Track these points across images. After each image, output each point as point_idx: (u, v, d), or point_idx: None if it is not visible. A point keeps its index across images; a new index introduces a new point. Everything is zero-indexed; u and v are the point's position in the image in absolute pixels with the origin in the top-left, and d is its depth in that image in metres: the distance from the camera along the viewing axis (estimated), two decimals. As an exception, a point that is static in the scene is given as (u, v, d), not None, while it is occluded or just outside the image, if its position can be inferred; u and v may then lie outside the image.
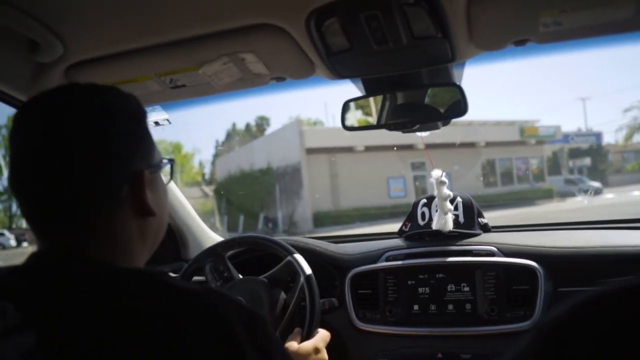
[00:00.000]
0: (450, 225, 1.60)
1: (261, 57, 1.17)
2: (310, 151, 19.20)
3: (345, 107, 1.40)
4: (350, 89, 1.41)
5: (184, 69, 1.23)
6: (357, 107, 1.44)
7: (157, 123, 1.55)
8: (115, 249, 0.73)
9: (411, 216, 1.73)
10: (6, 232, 22.03)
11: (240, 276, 1.52)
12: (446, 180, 1.62)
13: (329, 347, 1.54)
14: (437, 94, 1.40)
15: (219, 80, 1.25)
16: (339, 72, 1.23)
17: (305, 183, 19.22)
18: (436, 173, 1.62)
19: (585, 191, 20.53)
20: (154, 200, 0.77)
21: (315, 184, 18.88)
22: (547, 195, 20.80)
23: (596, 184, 22.23)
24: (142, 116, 0.79)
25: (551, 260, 1.48)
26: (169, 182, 0.90)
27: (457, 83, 1.31)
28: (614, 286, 0.45)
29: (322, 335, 1.33)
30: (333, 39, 1.09)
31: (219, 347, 0.62)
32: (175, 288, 0.68)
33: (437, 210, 1.64)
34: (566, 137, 26.00)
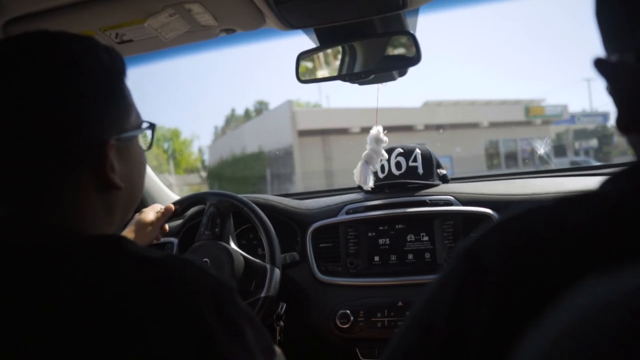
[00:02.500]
0: (371, 182, 1.62)
1: (208, 7, 1.13)
2: (303, 133, 18.33)
3: (300, 59, 1.38)
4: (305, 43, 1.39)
5: (129, 22, 1.18)
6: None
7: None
8: (78, 221, 0.65)
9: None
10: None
11: (233, 243, 1.51)
12: (386, 140, 1.61)
13: (292, 301, 1.57)
14: (395, 44, 1.38)
15: (166, 34, 1.21)
16: (289, 22, 1.20)
17: (297, 167, 18.37)
18: (376, 129, 1.61)
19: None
20: (124, 171, 0.70)
21: (309, 168, 18.08)
22: (554, 178, 20.07)
23: (603, 167, 21.67)
24: (116, 74, 0.70)
25: (507, 207, 1.50)
26: (149, 148, 0.81)
27: (411, 31, 1.29)
28: (520, 210, 0.49)
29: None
30: (280, -14, 1.07)
31: (183, 320, 0.58)
32: (137, 256, 0.62)
33: (363, 162, 1.62)
34: (572, 118, 24.41)
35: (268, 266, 1.45)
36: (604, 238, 0.42)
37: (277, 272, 1.45)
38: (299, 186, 17.95)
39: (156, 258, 0.62)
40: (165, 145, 26.42)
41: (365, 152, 1.61)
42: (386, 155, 1.62)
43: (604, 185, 0.50)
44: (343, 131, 17.78)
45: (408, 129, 16.19)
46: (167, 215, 1.44)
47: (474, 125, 19.77)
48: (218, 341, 0.59)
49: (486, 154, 20.20)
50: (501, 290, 0.43)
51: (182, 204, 1.54)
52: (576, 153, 22.98)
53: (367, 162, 1.60)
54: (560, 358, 0.32)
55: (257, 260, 1.47)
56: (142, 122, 0.76)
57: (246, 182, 19.82)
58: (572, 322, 0.33)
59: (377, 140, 1.60)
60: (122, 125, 0.69)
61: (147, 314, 0.56)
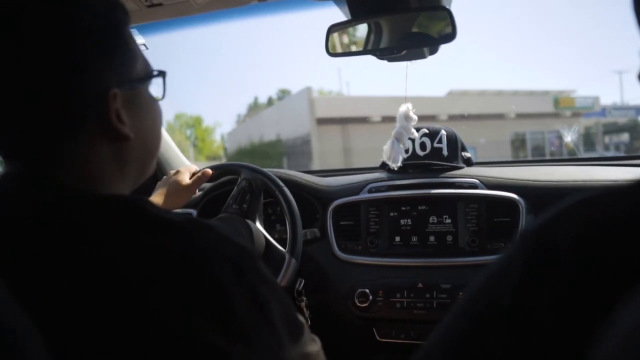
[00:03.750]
0: (400, 160, 1.58)
1: (242, -28, 1.11)
2: (321, 121, 17.78)
3: (330, 32, 1.35)
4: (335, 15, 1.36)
5: (160, -15, 1.16)
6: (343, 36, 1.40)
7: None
8: (87, 177, 0.64)
9: (395, 149, 1.70)
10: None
11: (258, 223, 1.47)
12: (415, 117, 1.58)
13: (310, 278, 1.56)
14: (424, 22, 1.35)
15: (197, -2, 1.19)
16: (324, -9, 1.18)
17: (315, 156, 17.77)
18: (405, 107, 1.58)
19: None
20: (134, 122, 0.67)
21: (327, 158, 17.42)
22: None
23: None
24: (115, 20, 0.66)
25: (533, 193, 1.48)
26: (162, 98, 0.76)
27: (446, 6, 1.26)
28: (591, 192, 0.47)
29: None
30: (318, -47, 1.04)
31: (200, 288, 0.55)
32: (159, 220, 0.60)
33: (393, 139, 1.59)
34: (603, 111, 23.13)
35: (287, 255, 1.42)
36: None
37: (294, 263, 1.42)
38: (317, 175, 17.35)
39: (177, 221, 0.60)
40: (188, 132, 26.44)
41: (395, 129, 1.58)
42: (416, 134, 1.59)
43: None
44: (363, 120, 17.31)
45: (431, 118, 15.52)
46: (203, 180, 1.41)
47: (500, 116, 19.00)
48: (238, 311, 0.56)
49: (512, 146, 19.37)
50: (573, 274, 0.41)
51: (217, 171, 1.49)
52: (606, 147, 22.07)
53: (397, 139, 1.57)
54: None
55: (278, 247, 1.44)
56: (151, 71, 0.73)
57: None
58: None
59: (407, 117, 1.57)
60: (125, 74, 0.66)
61: (163, 282, 0.55)
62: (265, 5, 1.28)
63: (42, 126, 0.61)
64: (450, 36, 1.24)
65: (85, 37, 0.62)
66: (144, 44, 1.48)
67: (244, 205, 1.45)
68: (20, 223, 0.57)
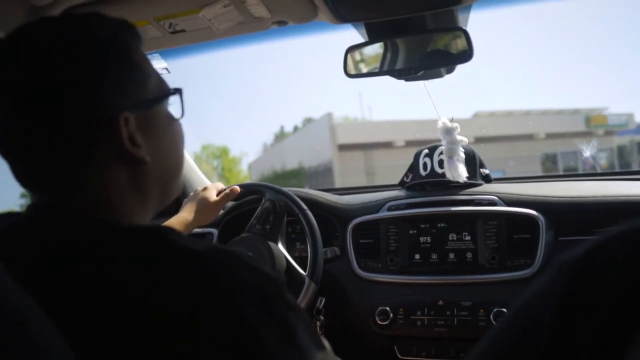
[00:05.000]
0: (463, 173, 1.57)
1: (263, -1, 1.14)
2: (343, 147, 17.37)
3: (348, 54, 1.37)
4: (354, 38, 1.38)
5: (184, 12, 1.20)
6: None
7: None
8: (108, 204, 0.64)
9: (413, 167, 1.72)
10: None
11: (280, 244, 1.48)
12: (458, 126, 1.58)
13: (331, 296, 1.57)
14: (440, 42, 1.37)
15: (219, 25, 1.22)
16: (342, 15, 1.20)
17: (337, 183, 17.29)
18: (445, 119, 1.59)
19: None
20: (151, 144, 0.67)
21: (349, 184, 16.13)
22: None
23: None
24: (123, 43, 0.67)
25: (552, 209, 1.48)
26: (182, 116, 0.75)
27: (463, 27, 1.28)
28: (631, 225, 0.47)
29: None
30: (336, -21, 1.07)
31: (228, 319, 0.55)
32: (183, 250, 0.59)
33: (447, 158, 1.59)
34: (638, 128, 21.80)
35: (307, 279, 1.42)
36: None
37: (314, 287, 1.43)
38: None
39: (202, 251, 0.60)
40: (215, 163, 26.61)
41: (444, 148, 1.60)
42: (466, 140, 1.60)
43: None
44: (387, 145, 16.85)
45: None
46: (230, 197, 1.43)
47: (529, 137, 18.51)
48: (266, 343, 0.56)
49: (543, 167, 18.65)
50: (614, 299, 0.43)
51: (242, 190, 1.51)
52: None
53: (450, 157, 1.58)
54: None
55: (299, 269, 1.45)
56: (167, 90, 0.72)
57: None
58: None
59: (448, 130, 1.58)
60: (138, 96, 0.66)
61: (190, 313, 0.54)
62: (285, 29, 1.31)
63: (55, 155, 0.62)
64: (467, 56, 1.26)
65: (91, 62, 0.62)
66: (166, 68, 1.52)
67: (267, 226, 1.47)
68: (45, 257, 0.58)
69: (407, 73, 1.35)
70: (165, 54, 1.48)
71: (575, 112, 21.46)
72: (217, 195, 1.42)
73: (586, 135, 19.78)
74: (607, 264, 0.45)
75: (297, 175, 19.60)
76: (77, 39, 0.63)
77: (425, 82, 1.49)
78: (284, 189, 1.51)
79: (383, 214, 1.61)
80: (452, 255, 1.53)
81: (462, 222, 1.53)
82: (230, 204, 1.72)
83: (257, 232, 1.47)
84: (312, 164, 18.85)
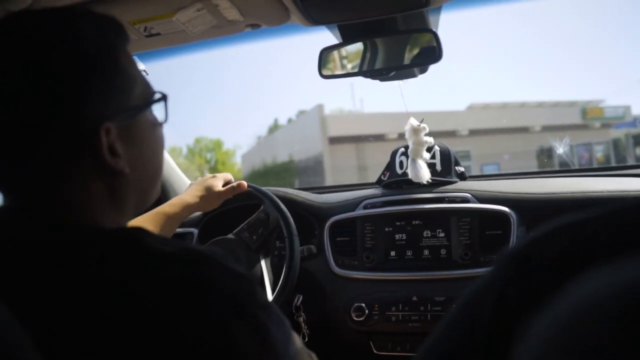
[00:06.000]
0: (426, 175, 1.61)
1: (234, 2, 1.16)
2: (334, 140, 16.95)
3: (322, 55, 1.40)
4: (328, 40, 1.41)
5: (158, 17, 1.22)
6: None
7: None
8: (82, 209, 0.62)
9: (390, 165, 1.75)
10: None
11: (263, 262, 1.48)
12: (426, 127, 1.62)
13: (308, 293, 1.60)
14: (417, 41, 1.40)
15: (193, 28, 1.24)
16: (314, 18, 1.23)
17: (327, 177, 16.92)
18: (413, 120, 1.63)
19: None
20: (132, 153, 0.65)
21: (340, 178, 16.56)
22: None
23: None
24: (109, 46, 0.63)
25: (524, 205, 1.52)
26: (165, 121, 0.72)
27: (433, 29, 1.31)
28: (567, 220, 0.47)
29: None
30: (306, -16, 1.09)
31: (201, 321, 0.55)
32: (156, 253, 0.58)
33: (410, 159, 1.64)
34: (634, 121, 21.16)
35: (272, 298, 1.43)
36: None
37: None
38: (329, 199, 16.28)
39: (173, 255, 0.59)
40: (208, 156, 26.39)
41: (410, 148, 1.64)
42: (432, 140, 1.64)
43: None
44: (379, 137, 16.34)
45: (451, 134, 14.79)
46: (237, 190, 1.40)
47: (524, 130, 18.03)
48: (241, 342, 0.56)
49: (538, 161, 17.66)
50: (547, 296, 0.42)
51: (248, 189, 1.47)
52: (638, 159, 20.43)
53: (414, 158, 1.62)
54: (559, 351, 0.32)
55: (269, 292, 1.45)
56: (152, 94, 0.69)
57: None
58: (570, 314, 0.33)
59: (415, 131, 1.62)
60: (122, 103, 0.63)
61: (162, 317, 0.54)
62: (259, 31, 1.33)
63: (32, 160, 0.60)
64: (436, 57, 1.29)
65: (76, 67, 0.59)
66: (145, 70, 1.54)
67: (254, 237, 1.46)
68: (12, 257, 0.57)
69: (379, 74, 1.38)
70: (143, 57, 1.50)
71: (572, 104, 21.03)
72: (224, 186, 1.40)
73: (583, 128, 19.48)
74: (542, 259, 0.45)
75: (287, 168, 19.23)
76: (61, 39, 0.59)
77: (400, 82, 1.53)
78: (282, 206, 1.48)
79: (359, 212, 1.64)
80: (426, 252, 1.56)
81: (436, 219, 1.57)
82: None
83: (244, 238, 1.47)
84: (302, 157, 18.46)
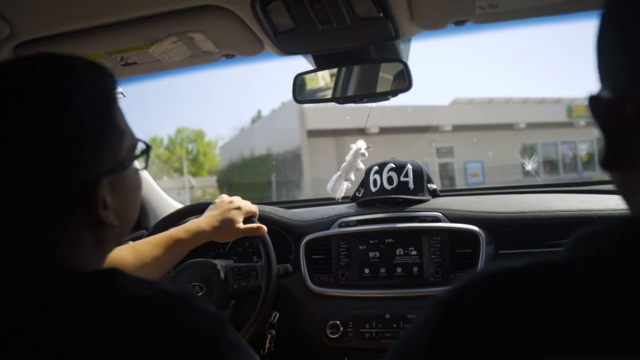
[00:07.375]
0: (339, 194, 1.79)
1: (210, 36, 1.19)
2: (313, 133, 16.51)
3: (296, 81, 1.44)
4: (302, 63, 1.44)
5: (134, 48, 1.24)
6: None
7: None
8: (68, 259, 0.63)
9: (364, 182, 1.79)
10: None
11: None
12: (366, 154, 1.76)
13: (284, 310, 1.63)
14: (388, 69, 1.44)
15: (169, 59, 1.27)
16: (287, 49, 1.26)
17: (306, 172, 16.64)
18: (360, 143, 1.77)
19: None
20: (117, 204, 0.66)
21: (319, 173, 16.06)
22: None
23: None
24: (111, 102, 0.65)
25: (492, 224, 1.57)
26: (144, 168, 0.75)
27: (403, 59, 1.35)
28: (504, 268, 0.49)
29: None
30: (279, 19, 1.12)
31: None
32: (128, 296, 0.59)
33: (338, 174, 1.78)
34: None
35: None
36: (565, 322, 0.43)
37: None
38: (307, 194, 16.00)
39: (147, 298, 0.60)
40: (190, 147, 26.10)
41: (344, 164, 1.76)
42: (362, 166, 1.76)
43: (572, 251, 0.49)
44: (360, 131, 15.96)
45: (434, 129, 14.73)
46: (254, 234, 1.44)
47: (509, 126, 17.78)
48: None
49: (522, 159, 16.73)
50: (471, 350, 0.45)
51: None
52: None
53: (342, 174, 1.75)
54: None
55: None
56: (136, 143, 0.71)
57: (254, 189, 18.06)
58: None
59: (356, 154, 1.76)
60: (115, 158, 0.65)
61: (136, 358, 0.55)
62: (236, 59, 1.36)
63: (27, 212, 0.60)
64: (406, 87, 1.33)
65: (73, 123, 0.60)
66: (121, 92, 1.56)
67: (235, 286, 1.52)
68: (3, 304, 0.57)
69: (352, 101, 1.42)
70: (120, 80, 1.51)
71: (557, 101, 20.54)
72: (245, 221, 1.42)
73: (568, 125, 19.17)
74: (465, 307, 0.47)
75: (265, 161, 18.81)
76: (60, 92, 0.60)
77: (372, 104, 1.57)
78: (274, 273, 1.52)
79: (334, 230, 1.68)
80: (399, 270, 1.60)
81: (408, 237, 1.61)
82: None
83: (227, 278, 1.52)
84: (280, 150, 18.00)
